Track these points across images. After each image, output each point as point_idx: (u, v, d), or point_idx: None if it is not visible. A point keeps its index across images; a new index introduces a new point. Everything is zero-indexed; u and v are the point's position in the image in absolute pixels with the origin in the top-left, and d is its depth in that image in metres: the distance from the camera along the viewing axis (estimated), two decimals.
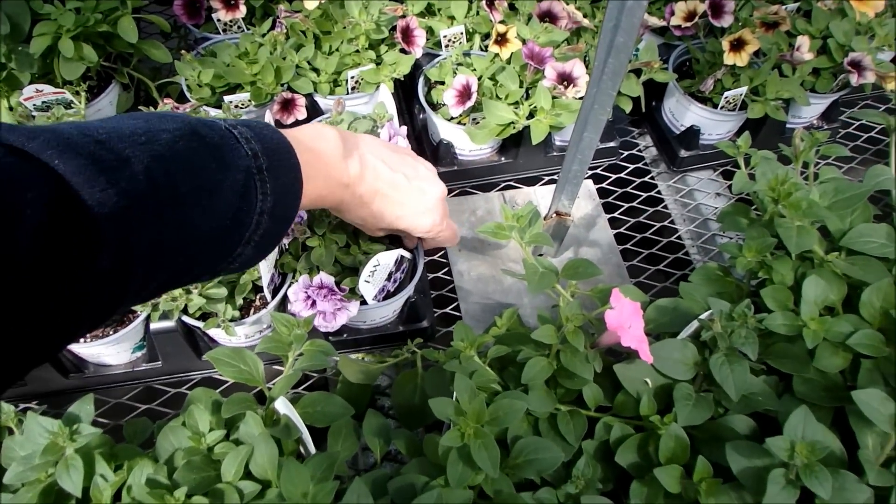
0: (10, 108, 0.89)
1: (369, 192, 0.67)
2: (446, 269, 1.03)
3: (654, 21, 1.04)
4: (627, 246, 1.11)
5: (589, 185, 1.16)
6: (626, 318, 0.69)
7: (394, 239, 0.84)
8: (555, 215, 0.91)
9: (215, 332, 0.82)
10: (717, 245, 1.10)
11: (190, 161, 0.42)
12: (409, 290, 0.84)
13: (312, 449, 0.67)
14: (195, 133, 0.44)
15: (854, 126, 1.32)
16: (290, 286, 0.78)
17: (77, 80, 0.93)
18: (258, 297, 0.82)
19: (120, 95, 1.02)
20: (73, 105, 0.91)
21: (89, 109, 0.97)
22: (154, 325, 0.79)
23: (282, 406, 0.65)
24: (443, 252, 1.05)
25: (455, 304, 1.00)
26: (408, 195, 0.71)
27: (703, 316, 0.74)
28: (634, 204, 1.16)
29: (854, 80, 1.06)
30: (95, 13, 0.94)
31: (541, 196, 1.13)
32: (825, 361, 0.71)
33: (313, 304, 0.77)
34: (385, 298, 0.82)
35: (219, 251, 0.47)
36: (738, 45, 1.03)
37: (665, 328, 0.79)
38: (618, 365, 0.72)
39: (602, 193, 1.17)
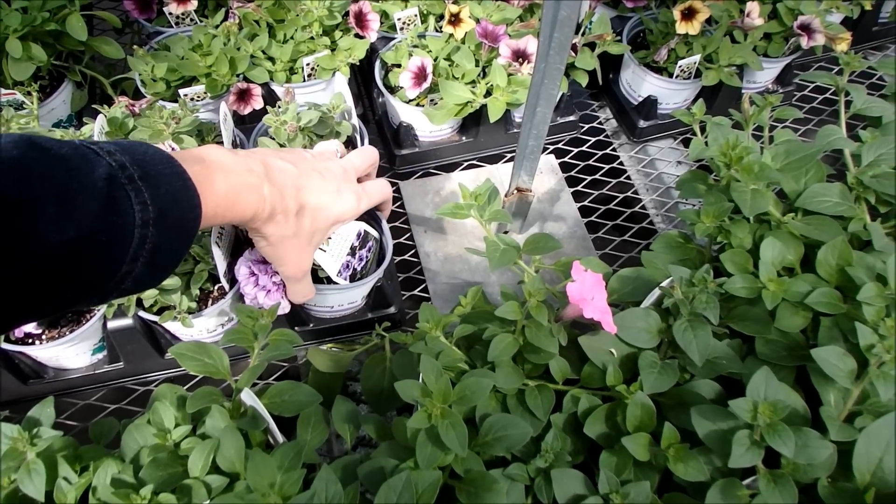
0: None
1: (287, 187, 0.61)
2: (413, 251, 1.01)
3: None
4: (592, 218, 1.09)
5: (551, 160, 1.14)
6: (587, 290, 0.68)
7: None
8: (516, 192, 0.88)
9: (174, 327, 0.79)
10: (679, 212, 1.09)
11: (27, 168, 0.38)
12: (379, 273, 0.81)
13: (281, 439, 0.65)
14: (34, 144, 0.39)
15: (809, 88, 1.30)
16: None
17: (28, 80, 0.88)
18: (216, 287, 0.79)
19: (73, 94, 0.97)
20: (24, 106, 0.87)
21: (42, 109, 0.93)
22: (111, 324, 0.75)
23: (247, 398, 0.63)
24: (409, 234, 1.03)
25: (423, 285, 0.97)
26: (321, 181, 0.65)
27: (665, 283, 0.72)
28: (597, 176, 1.14)
29: (804, 42, 1.05)
30: (42, 12, 0.89)
31: (504, 173, 1.11)
32: (786, 321, 0.70)
33: (258, 280, 0.73)
34: (353, 280, 0.79)
35: (97, 269, 0.42)
36: (689, 14, 1.01)
37: (628, 298, 0.77)
38: (583, 337, 0.71)
39: (565, 167, 1.14)
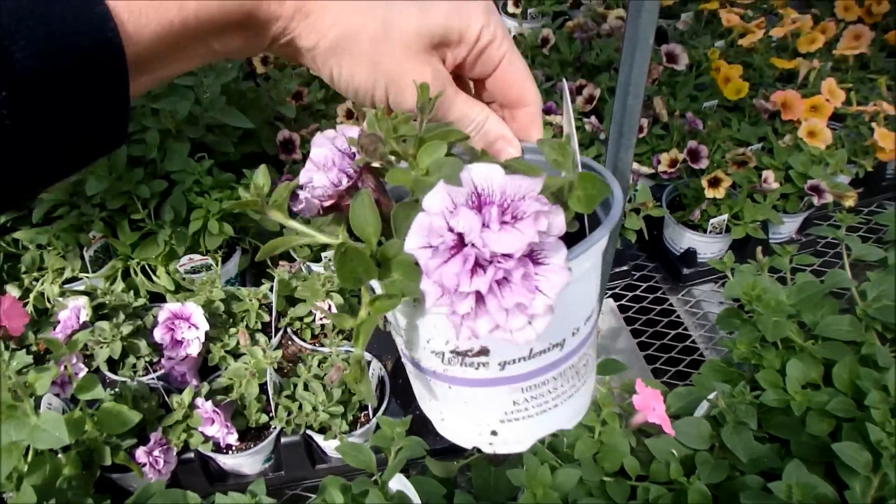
0: (168, 273, 1.13)
1: None
2: None
3: (645, 169, 1.27)
4: (650, 352, 1.27)
5: (610, 303, 1.34)
6: (650, 400, 0.86)
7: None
8: None
9: (327, 444, 0.99)
10: (720, 341, 1.26)
11: None
12: None
13: None
14: None
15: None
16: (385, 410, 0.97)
17: (214, 248, 1.16)
18: (363, 414, 1.00)
19: (241, 259, 1.25)
20: (211, 267, 1.15)
21: (221, 271, 1.20)
22: (284, 440, 0.96)
23: (396, 483, 0.81)
24: None
25: None
26: None
27: (711, 396, 0.89)
28: (651, 316, 1.34)
29: (815, 201, 1.26)
30: (231, 200, 1.19)
31: None
32: (814, 427, 0.85)
33: None
34: None
35: None
36: (714, 182, 1.24)
37: (683, 412, 0.94)
38: (649, 440, 0.87)
39: (622, 309, 1.34)
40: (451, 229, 0.28)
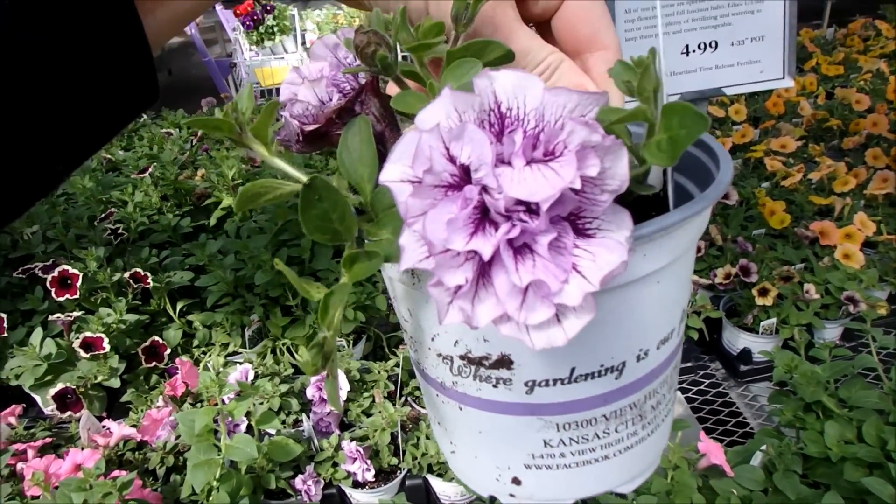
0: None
1: None
2: None
3: (704, 281, 1.55)
4: (714, 435, 1.48)
5: (678, 395, 1.57)
6: (712, 448, 1.09)
7: None
8: None
9: (444, 488, 1.23)
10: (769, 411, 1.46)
11: None
12: None
13: None
14: None
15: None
16: None
17: (347, 333, 1.48)
18: None
19: (366, 344, 1.56)
20: (344, 348, 1.45)
21: (352, 351, 1.50)
22: (409, 482, 1.21)
23: None
24: None
25: None
26: None
27: (763, 448, 1.12)
28: (714, 406, 1.56)
29: (851, 309, 1.50)
30: (362, 295, 1.52)
31: None
32: (850, 473, 1.06)
33: None
34: None
35: None
36: (763, 292, 1.51)
37: (741, 464, 1.15)
38: (713, 480, 1.09)
39: (689, 400, 1.57)
40: (451, 158, 0.21)
